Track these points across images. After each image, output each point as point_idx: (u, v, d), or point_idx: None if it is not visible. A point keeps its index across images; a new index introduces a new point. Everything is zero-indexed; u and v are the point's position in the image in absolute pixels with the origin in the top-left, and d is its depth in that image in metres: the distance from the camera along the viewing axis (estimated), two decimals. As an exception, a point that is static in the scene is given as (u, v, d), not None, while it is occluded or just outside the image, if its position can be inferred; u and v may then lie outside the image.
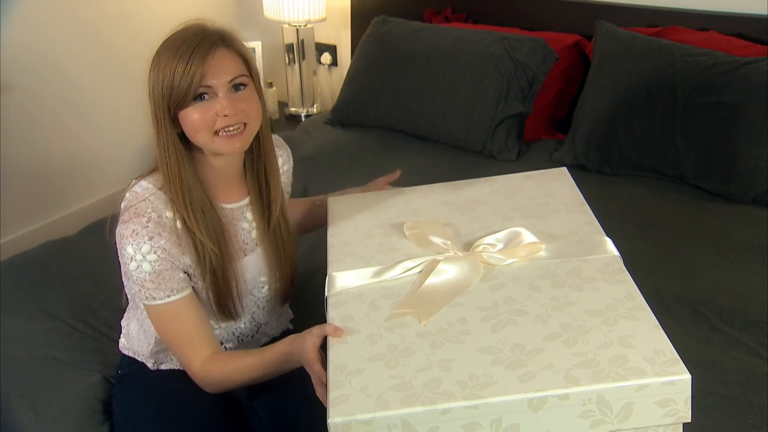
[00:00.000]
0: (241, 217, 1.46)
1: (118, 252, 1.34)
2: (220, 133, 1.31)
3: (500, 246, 1.37)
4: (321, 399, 1.17)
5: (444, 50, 2.76)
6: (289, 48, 3.44)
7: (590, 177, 2.44)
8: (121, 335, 1.60)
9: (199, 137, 1.31)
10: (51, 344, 1.74)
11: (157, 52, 1.30)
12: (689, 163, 2.35)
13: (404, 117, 2.82)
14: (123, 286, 1.50)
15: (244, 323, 1.52)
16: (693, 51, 2.42)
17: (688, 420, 1.07)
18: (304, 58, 3.46)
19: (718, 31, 2.55)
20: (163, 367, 1.53)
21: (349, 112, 2.98)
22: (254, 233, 1.47)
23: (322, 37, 3.57)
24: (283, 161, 1.58)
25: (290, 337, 1.29)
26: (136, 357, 1.55)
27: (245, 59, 1.34)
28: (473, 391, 1.05)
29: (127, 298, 1.53)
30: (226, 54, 1.30)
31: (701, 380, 1.49)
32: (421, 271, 1.34)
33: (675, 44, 2.46)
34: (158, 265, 1.31)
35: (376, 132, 2.86)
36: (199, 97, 1.29)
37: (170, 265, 1.32)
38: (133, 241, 1.30)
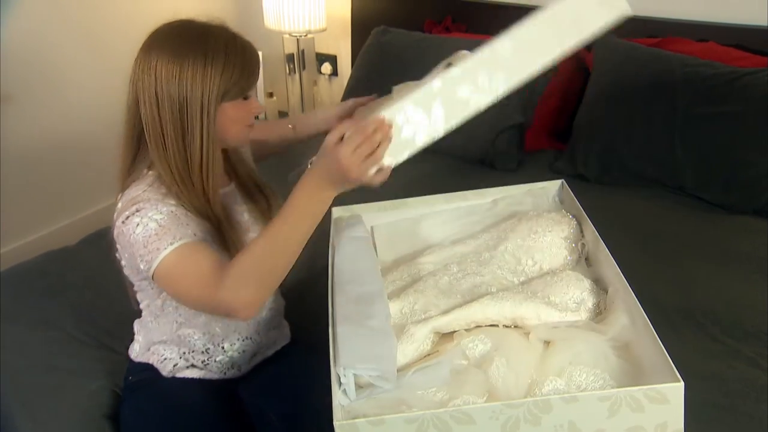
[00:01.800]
0: (234, 200, 1.52)
1: (123, 239, 1.32)
2: (247, 126, 1.41)
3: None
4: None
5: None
6: (290, 58, 3.45)
7: (590, 187, 2.45)
8: (134, 341, 1.60)
9: (234, 129, 1.38)
10: (51, 353, 1.74)
11: (205, 46, 1.30)
12: (689, 174, 2.35)
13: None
14: (132, 288, 1.51)
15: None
16: (692, 61, 2.43)
17: None
18: (304, 68, 3.47)
19: (717, 42, 2.56)
20: (178, 374, 1.53)
21: (349, 121, 2.98)
22: (246, 215, 1.53)
23: (323, 47, 3.58)
24: None
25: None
26: (151, 362, 1.54)
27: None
28: None
29: (137, 301, 1.55)
30: None
31: (702, 391, 1.50)
32: None
33: (674, 55, 2.47)
34: (164, 221, 1.29)
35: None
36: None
37: (177, 222, 1.31)
38: (139, 213, 1.30)
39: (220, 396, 1.52)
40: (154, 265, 1.27)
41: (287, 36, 3.31)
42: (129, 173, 1.40)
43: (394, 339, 1.25)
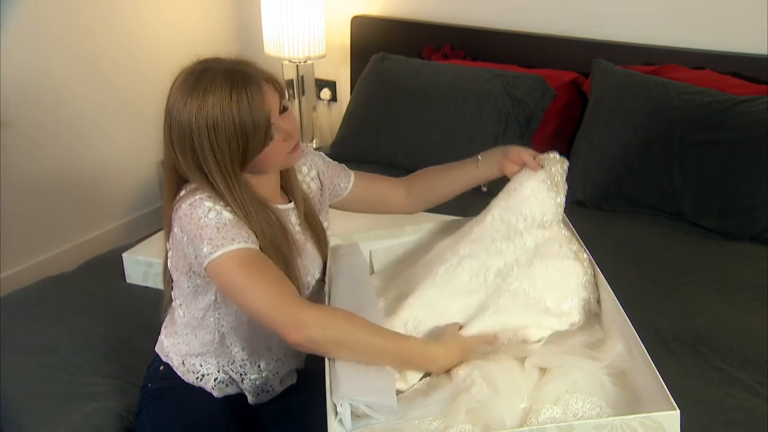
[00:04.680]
0: (288, 219, 1.48)
1: (187, 220, 1.29)
2: (289, 153, 1.39)
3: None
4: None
5: (443, 87, 2.78)
6: (289, 84, 3.47)
7: (588, 213, 2.45)
8: (163, 335, 1.57)
9: (277, 162, 1.38)
10: (48, 380, 1.73)
11: (201, 101, 1.27)
12: (687, 200, 2.36)
13: (403, 153, 2.83)
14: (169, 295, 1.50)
15: None
16: (689, 89, 2.44)
17: None
18: (303, 93, 3.48)
19: (713, 70, 2.58)
20: (217, 393, 1.51)
21: (348, 147, 2.99)
22: (299, 236, 1.50)
23: (322, 73, 3.60)
24: (308, 169, 1.60)
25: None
26: (186, 379, 1.51)
27: (276, 82, 1.38)
28: None
29: (171, 298, 1.52)
30: (268, 87, 1.33)
31: (701, 419, 1.49)
32: None
33: (671, 82, 2.49)
34: (236, 219, 1.30)
35: (375, 167, 2.84)
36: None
37: (244, 228, 1.31)
38: (210, 201, 1.29)
39: (241, 410, 1.51)
40: (220, 252, 1.25)
41: (287, 62, 3.33)
42: (177, 190, 1.39)
43: (393, 372, 1.25)
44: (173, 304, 1.52)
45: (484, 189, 1.66)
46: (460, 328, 1.37)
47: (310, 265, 1.51)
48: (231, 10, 3.68)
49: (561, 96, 2.77)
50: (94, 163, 3.20)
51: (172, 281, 1.48)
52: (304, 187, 1.57)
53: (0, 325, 1.92)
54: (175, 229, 1.34)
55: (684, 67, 2.62)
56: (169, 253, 1.43)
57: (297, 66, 3.36)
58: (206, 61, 1.34)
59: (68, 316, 1.98)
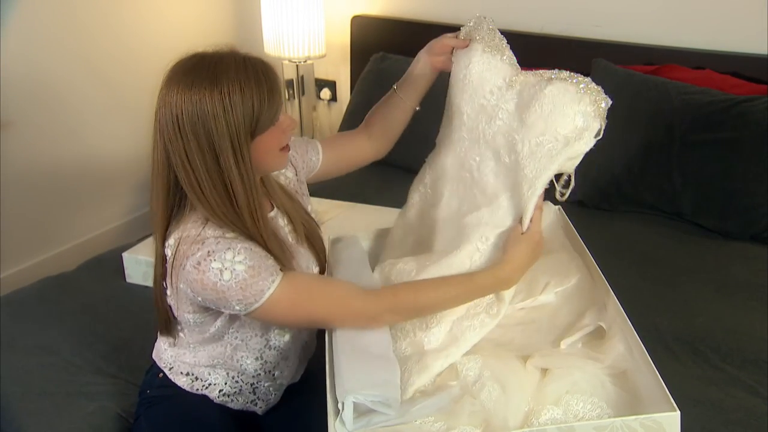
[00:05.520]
0: (278, 224, 1.46)
1: (201, 285, 1.25)
2: (282, 150, 1.36)
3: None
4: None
5: (443, 87, 2.77)
6: (289, 84, 3.47)
7: (588, 213, 2.45)
8: (165, 344, 1.53)
9: (270, 157, 1.33)
10: (48, 379, 1.74)
11: (217, 80, 1.23)
12: (687, 200, 2.36)
13: (403, 152, 2.81)
14: (163, 311, 1.44)
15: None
16: (689, 89, 2.44)
17: None
18: (303, 93, 3.48)
19: (713, 70, 2.57)
20: (224, 402, 1.50)
21: (348, 147, 2.99)
22: (291, 236, 1.48)
23: (322, 73, 3.60)
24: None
25: None
26: (194, 388, 1.49)
27: None
28: None
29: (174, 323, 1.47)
30: None
31: (701, 419, 1.50)
32: None
33: (671, 82, 2.49)
34: (249, 261, 1.24)
35: (375, 168, 2.83)
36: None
37: (260, 255, 1.27)
38: (215, 257, 1.23)
39: (241, 416, 1.51)
40: (257, 305, 1.25)
41: (287, 62, 3.33)
42: (168, 220, 1.34)
43: (396, 365, 1.24)
44: (172, 325, 1.47)
45: (417, 108, 1.70)
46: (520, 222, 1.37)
47: (305, 266, 1.50)
48: (231, 10, 3.68)
49: (561, 96, 2.77)
50: (94, 163, 3.20)
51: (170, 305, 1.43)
52: (282, 179, 1.55)
53: (0, 325, 1.92)
54: (182, 285, 1.29)
55: (684, 67, 2.62)
56: (168, 291, 1.38)
57: (297, 66, 3.36)
58: (199, 52, 1.29)
59: (68, 316, 1.99)
